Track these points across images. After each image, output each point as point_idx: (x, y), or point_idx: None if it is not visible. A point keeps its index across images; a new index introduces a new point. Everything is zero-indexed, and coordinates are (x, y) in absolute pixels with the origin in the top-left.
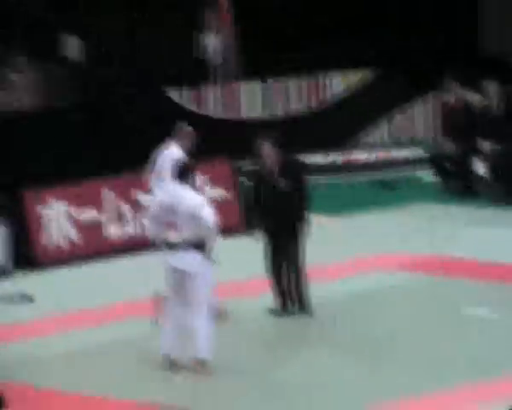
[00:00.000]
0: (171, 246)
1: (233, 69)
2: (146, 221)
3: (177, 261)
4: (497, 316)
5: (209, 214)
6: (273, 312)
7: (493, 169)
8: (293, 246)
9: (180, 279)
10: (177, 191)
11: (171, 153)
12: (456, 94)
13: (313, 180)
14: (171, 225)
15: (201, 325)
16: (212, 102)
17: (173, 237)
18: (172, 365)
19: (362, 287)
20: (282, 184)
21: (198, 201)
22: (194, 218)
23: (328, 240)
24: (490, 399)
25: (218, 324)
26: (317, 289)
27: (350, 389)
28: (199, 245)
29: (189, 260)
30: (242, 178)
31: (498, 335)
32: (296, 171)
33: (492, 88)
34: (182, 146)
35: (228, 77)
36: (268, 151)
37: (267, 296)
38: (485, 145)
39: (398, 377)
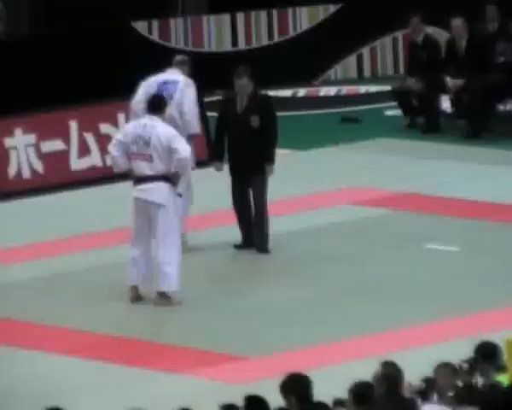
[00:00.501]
0: (141, 178)
1: (199, 2)
2: (111, 148)
3: (146, 193)
4: (457, 251)
5: (184, 146)
6: (237, 246)
7: (457, 105)
8: (257, 183)
9: (148, 211)
10: (150, 123)
11: (179, 77)
12: (422, 29)
13: (278, 114)
14: (142, 157)
15: (168, 258)
16: (180, 34)
17: (144, 168)
18: (137, 296)
19: (323, 221)
20: (254, 120)
21: (172, 133)
22: (170, 150)
23: (290, 175)
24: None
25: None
26: (278, 223)
27: (315, 321)
28: (168, 177)
29: (156, 193)
30: (210, 112)
31: (461, 270)
32: (266, 107)
33: (459, 24)
34: (183, 73)
35: (195, 9)
36: (244, 84)
37: (233, 229)
38: (450, 81)
39: (361, 311)
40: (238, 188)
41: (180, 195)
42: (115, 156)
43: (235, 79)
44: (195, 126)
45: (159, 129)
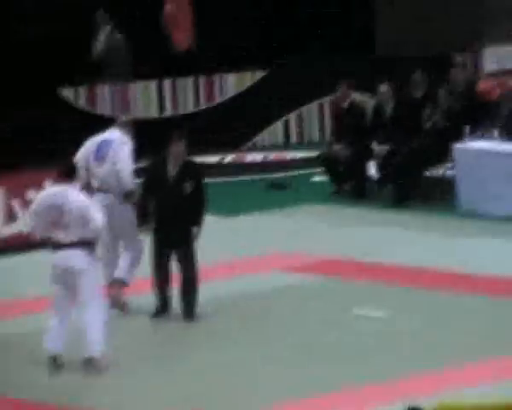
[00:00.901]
0: (58, 245)
1: (124, 69)
2: (28, 218)
3: (64, 260)
4: (387, 317)
5: (97, 216)
6: (155, 314)
7: (383, 171)
8: (188, 250)
9: (67, 278)
10: (61, 191)
11: (116, 136)
12: (349, 96)
13: (205, 180)
14: (58, 225)
15: (92, 323)
16: (106, 100)
17: (60, 236)
18: (59, 363)
19: (250, 287)
20: (186, 186)
21: (84, 202)
22: (83, 218)
23: (216, 241)
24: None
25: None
26: (204, 289)
27: (242, 390)
28: (85, 244)
29: (75, 259)
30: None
31: (389, 336)
32: (198, 174)
33: (385, 90)
34: (123, 134)
35: (119, 76)
36: (181, 150)
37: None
38: (376, 147)
39: (285, 378)
40: (162, 255)
41: (99, 261)
42: (33, 226)
43: (173, 143)
44: (129, 183)
45: (70, 197)
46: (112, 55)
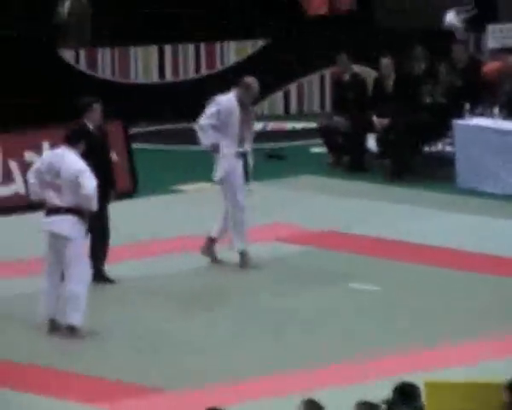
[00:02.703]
0: (50, 209)
1: (87, 34)
2: (29, 175)
3: (53, 225)
4: (380, 290)
5: (89, 182)
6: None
7: (383, 144)
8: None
9: (56, 243)
10: (62, 153)
11: (223, 98)
12: (349, 68)
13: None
14: (53, 187)
15: (74, 291)
16: (106, 64)
17: (53, 199)
18: (53, 327)
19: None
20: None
21: (79, 166)
22: (75, 183)
23: (211, 210)
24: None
25: None
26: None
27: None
28: (76, 210)
29: (64, 225)
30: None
31: (380, 309)
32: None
33: (387, 63)
34: (240, 96)
35: (82, 41)
36: (98, 114)
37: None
38: (376, 120)
39: (277, 349)
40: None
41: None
42: (31, 184)
43: (93, 108)
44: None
45: (67, 160)
46: (73, 20)
